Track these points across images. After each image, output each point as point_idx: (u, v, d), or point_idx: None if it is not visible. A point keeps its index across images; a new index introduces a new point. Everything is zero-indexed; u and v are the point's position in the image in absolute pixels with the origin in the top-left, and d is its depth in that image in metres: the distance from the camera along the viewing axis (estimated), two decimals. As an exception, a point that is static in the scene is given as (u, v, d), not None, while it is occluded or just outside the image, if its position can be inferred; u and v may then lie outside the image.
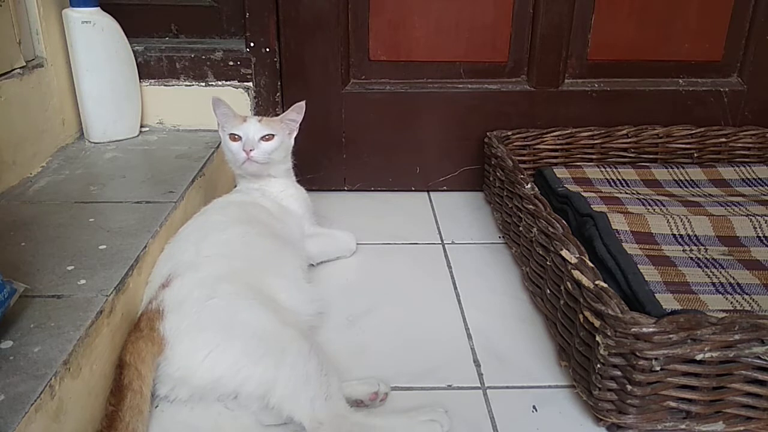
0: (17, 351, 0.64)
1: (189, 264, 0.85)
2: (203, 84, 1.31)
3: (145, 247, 0.86)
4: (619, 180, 1.21)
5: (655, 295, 0.81)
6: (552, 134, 1.32)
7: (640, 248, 0.95)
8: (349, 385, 0.79)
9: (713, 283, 0.87)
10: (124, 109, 1.27)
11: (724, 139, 1.33)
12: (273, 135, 1.05)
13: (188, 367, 0.75)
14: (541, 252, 0.95)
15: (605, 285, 0.75)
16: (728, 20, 1.32)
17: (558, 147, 1.33)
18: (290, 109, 1.08)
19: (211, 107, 1.06)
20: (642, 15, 1.31)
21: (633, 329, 0.68)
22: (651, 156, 1.33)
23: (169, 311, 0.78)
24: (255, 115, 1.32)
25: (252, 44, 1.29)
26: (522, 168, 1.13)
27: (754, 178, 1.21)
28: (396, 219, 1.32)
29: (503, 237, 1.22)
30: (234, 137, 1.04)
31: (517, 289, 1.06)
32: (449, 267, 1.14)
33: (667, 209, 1.05)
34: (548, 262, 0.91)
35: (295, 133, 1.10)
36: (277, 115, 1.10)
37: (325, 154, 1.40)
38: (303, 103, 1.08)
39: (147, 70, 1.29)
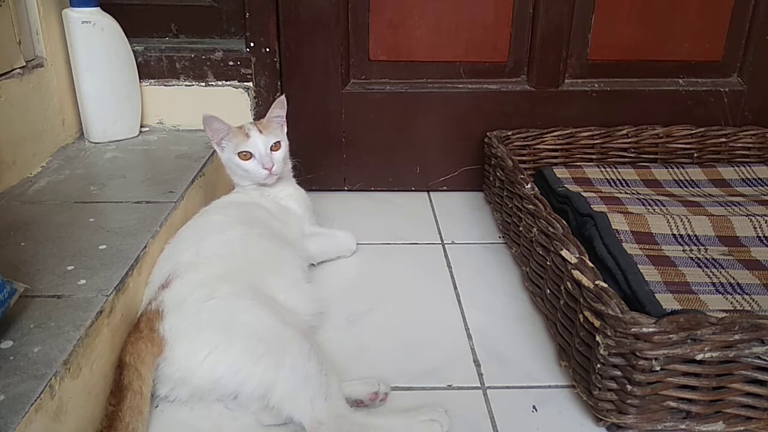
0: (17, 351, 0.65)
1: (189, 264, 0.85)
2: (203, 84, 1.31)
3: (145, 247, 0.86)
4: (619, 180, 1.21)
5: (655, 295, 0.81)
6: (552, 134, 1.32)
7: (640, 248, 0.95)
8: (349, 385, 0.79)
9: (713, 283, 0.87)
10: (124, 109, 1.27)
11: (724, 139, 1.33)
12: (279, 141, 1.05)
13: (188, 367, 0.75)
14: (541, 252, 0.95)
15: (605, 285, 0.75)
16: (728, 20, 1.32)
17: (558, 147, 1.33)
18: (273, 106, 1.06)
19: (209, 111, 1.03)
20: (642, 15, 1.31)
21: (633, 329, 0.68)
22: (651, 156, 1.33)
23: (169, 312, 0.78)
24: (254, 117, 1.32)
25: (252, 44, 1.29)
26: (522, 168, 1.13)
27: (754, 178, 1.21)
28: (396, 219, 1.32)
29: (503, 237, 1.22)
30: (244, 155, 1.03)
31: (517, 289, 1.06)
32: (449, 267, 1.14)
33: (667, 209, 1.05)
34: (548, 262, 0.91)
35: (285, 128, 1.10)
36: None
37: (325, 154, 1.40)
38: (284, 97, 1.07)
39: (147, 70, 1.29)
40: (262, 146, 1.03)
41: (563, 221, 0.92)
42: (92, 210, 0.97)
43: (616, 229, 0.97)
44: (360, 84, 1.36)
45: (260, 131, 1.04)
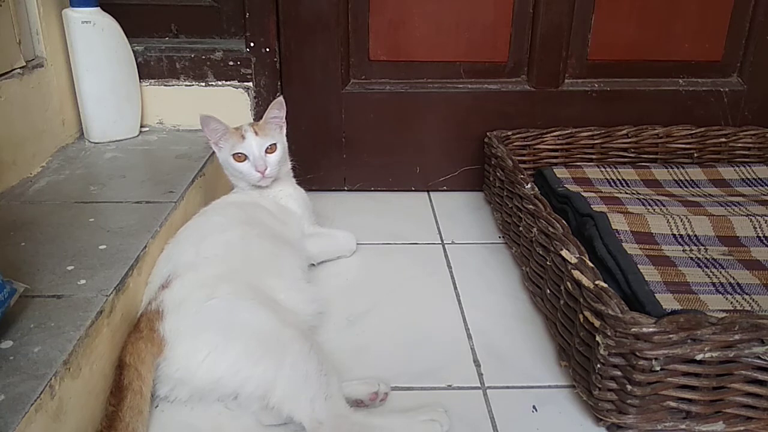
0: (17, 351, 0.65)
1: (189, 265, 0.85)
2: (203, 84, 1.31)
3: (145, 247, 0.86)
4: (619, 180, 1.21)
5: (655, 295, 0.81)
6: (552, 134, 1.32)
7: (640, 248, 0.95)
8: (349, 385, 0.79)
9: (713, 283, 0.87)
10: (124, 109, 1.27)
11: (724, 139, 1.33)
12: (275, 144, 1.04)
13: (188, 367, 0.75)
14: (541, 252, 0.95)
15: (605, 285, 0.75)
16: (728, 20, 1.32)
17: (558, 147, 1.33)
18: (270, 107, 1.05)
19: (209, 111, 1.03)
20: (642, 15, 1.31)
21: (633, 329, 0.68)
22: (651, 156, 1.33)
23: (169, 312, 0.78)
24: (254, 117, 1.32)
25: (252, 44, 1.29)
26: (522, 168, 1.13)
27: (754, 178, 1.21)
28: (396, 219, 1.32)
29: (503, 237, 1.22)
30: (239, 157, 1.03)
31: (517, 289, 1.06)
32: (449, 267, 1.13)
33: (667, 209, 1.05)
34: (548, 262, 0.91)
35: (284, 130, 1.09)
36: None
37: (325, 154, 1.40)
38: (281, 98, 1.06)
39: (147, 70, 1.29)
40: (256, 149, 1.02)
41: (563, 221, 0.92)
42: (92, 210, 0.97)
43: (616, 229, 0.97)
44: (360, 84, 1.36)
45: (256, 133, 1.03)
